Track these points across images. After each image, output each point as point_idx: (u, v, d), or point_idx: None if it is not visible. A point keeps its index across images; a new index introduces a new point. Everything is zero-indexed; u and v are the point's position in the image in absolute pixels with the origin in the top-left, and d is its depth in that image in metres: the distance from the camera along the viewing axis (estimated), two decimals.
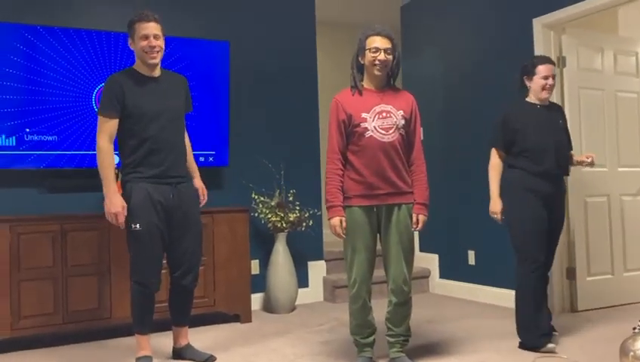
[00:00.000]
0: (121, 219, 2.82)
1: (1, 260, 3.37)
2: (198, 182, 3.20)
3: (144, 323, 2.93)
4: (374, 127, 2.71)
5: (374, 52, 2.73)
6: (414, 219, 2.79)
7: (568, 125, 4.23)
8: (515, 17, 4.28)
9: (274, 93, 4.69)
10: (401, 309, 2.81)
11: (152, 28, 2.86)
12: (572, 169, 3.56)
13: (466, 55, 4.75)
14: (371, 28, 2.80)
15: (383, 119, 2.72)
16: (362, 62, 2.80)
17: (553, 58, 4.08)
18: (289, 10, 4.80)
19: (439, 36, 5.02)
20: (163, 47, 2.93)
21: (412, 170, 2.83)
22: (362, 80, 2.84)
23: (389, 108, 2.75)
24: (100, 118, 2.88)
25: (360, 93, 2.79)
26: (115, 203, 2.80)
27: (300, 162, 4.71)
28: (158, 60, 2.93)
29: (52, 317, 3.48)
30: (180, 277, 3.00)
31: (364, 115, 2.72)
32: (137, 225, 2.83)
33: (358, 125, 2.72)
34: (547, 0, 4.05)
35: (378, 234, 2.83)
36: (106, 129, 2.86)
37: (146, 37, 2.85)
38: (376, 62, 2.73)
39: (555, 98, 4.07)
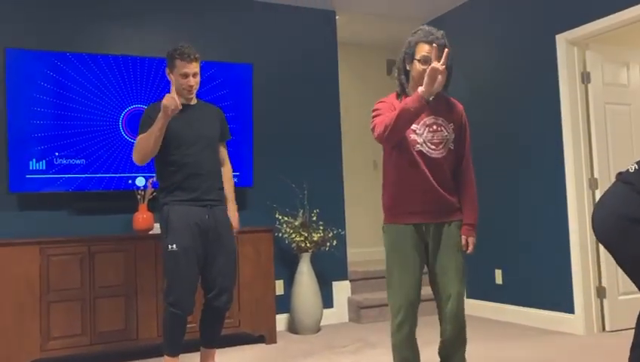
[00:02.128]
0: (175, 100, 2.78)
1: (31, 282, 3.43)
2: (230, 211, 3.16)
3: (175, 345, 2.92)
4: (424, 141, 2.42)
5: (424, 63, 2.36)
6: (464, 241, 2.46)
7: (594, 140, 4.18)
8: (539, 34, 4.26)
9: (297, 113, 4.73)
10: (458, 341, 2.45)
11: (193, 67, 2.94)
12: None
13: (489, 72, 4.73)
14: (423, 31, 2.41)
15: (433, 133, 2.43)
16: (409, 69, 2.44)
17: (577, 74, 4.07)
18: (311, 31, 4.86)
19: (462, 54, 5.02)
20: (199, 81, 3.03)
21: (461, 187, 2.51)
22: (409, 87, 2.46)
23: (440, 120, 2.45)
24: (138, 138, 2.93)
25: None
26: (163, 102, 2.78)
27: (323, 182, 4.72)
28: (194, 95, 3.05)
29: (80, 339, 3.52)
30: (213, 298, 2.99)
31: (413, 126, 2.39)
32: (174, 246, 2.85)
33: (407, 137, 2.40)
34: (570, 16, 4.03)
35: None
36: None
37: (186, 75, 2.93)
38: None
39: (580, 114, 4.04)
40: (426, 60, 2.35)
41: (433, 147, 2.42)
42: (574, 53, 4.07)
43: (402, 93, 2.47)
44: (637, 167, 2.27)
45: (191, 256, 2.87)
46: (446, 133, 2.45)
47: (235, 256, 3.10)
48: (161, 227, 2.97)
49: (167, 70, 3.00)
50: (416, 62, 2.40)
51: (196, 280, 2.94)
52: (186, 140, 2.94)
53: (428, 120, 2.43)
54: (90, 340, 3.54)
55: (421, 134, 2.41)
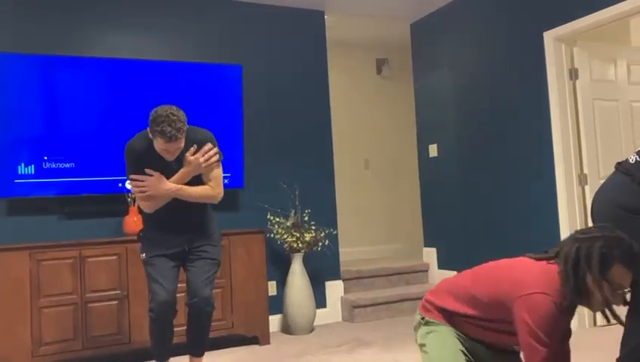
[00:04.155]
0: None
1: (21, 287, 3.41)
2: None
3: (159, 350, 2.93)
4: None
5: (616, 289, 1.89)
6: None
7: (583, 136, 4.21)
8: (526, 31, 4.28)
9: (287, 114, 4.72)
10: None
11: (174, 145, 2.72)
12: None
13: (477, 70, 4.75)
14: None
15: None
16: (587, 281, 1.87)
17: (565, 70, 4.09)
18: (300, 31, 4.85)
19: (450, 52, 5.04)
20: (182, 147, 2.79)
21: None
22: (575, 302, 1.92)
23: None
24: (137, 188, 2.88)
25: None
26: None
27: (314, 182, 4.71)
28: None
29: (72, 343, 3.50)
30: (192, 304, 2.94)
31: None
32: (143, 255, 2.91)
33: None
34: (558, 13, 4.05)
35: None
36: None
37: (167, 151, 2.76)
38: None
39: (569, 110, 4.07)
40: (621, 288, 1.87)
41: None
42: (562, 50, 4.09)
43: (568, 307, 1.94)
44: (638, 158, 2.23)
45: (161, 262, 2.88)
46: None
47: (217, 264, 3.02)
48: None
49: (148, 128, 2.73)
50: (605, 284, 1.86)
51: (170, 286, 2.87)
52: None
53: None
54: (82, 345, 3.52)
55: None
